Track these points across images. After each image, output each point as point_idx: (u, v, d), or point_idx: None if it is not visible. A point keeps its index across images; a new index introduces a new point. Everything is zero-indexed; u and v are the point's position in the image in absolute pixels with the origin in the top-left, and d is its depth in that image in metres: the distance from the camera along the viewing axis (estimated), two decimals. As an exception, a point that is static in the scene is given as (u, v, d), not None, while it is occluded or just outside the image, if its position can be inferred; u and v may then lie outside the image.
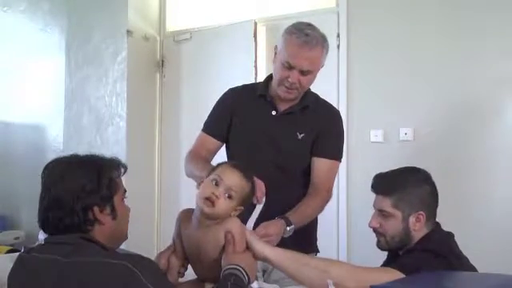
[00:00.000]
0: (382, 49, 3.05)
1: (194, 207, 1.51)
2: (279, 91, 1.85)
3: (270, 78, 1.96)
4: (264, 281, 1.83)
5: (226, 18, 3.63)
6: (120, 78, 3.70)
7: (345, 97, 3.11)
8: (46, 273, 1.22)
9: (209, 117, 2.03)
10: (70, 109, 3.95)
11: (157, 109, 3.90)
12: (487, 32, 2.76)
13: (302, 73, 1.80)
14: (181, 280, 1.58)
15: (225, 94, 2.04)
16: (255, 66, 3.36)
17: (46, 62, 4.16)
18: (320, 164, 1.92)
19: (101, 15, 3.81)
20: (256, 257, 1.49)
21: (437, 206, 1.70)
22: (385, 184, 1.70)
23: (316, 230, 2.03)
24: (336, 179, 3.06)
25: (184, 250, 1.54)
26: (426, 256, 1.55)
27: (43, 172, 1.33)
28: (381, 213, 1.68)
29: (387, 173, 1.74)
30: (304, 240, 1.86)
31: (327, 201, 1.94)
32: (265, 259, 1.51)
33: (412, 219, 1.64)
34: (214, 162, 1.95)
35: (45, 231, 1.31)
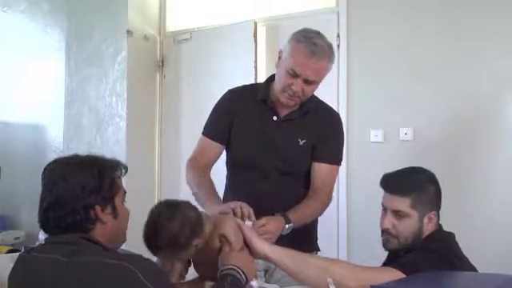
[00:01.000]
0: (382, 49, 3.05)
1: None
2: (281, 97, 1.83)
3: (270, 79, 1.95)
4: (266, 281, 1.82)
5: (226, 18, 3.63)
6: (120, 77, 3.70)
7: (345, 97, 3.11)
8: (46, 273, 1.22)
9: (209, 120, 2.00)
10: (70, 109, 3.95)
11: (157, 109, 3.90)
12: (487, 32, 2.76)
13: (307, 82, 1.79)
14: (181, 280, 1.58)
15: (224, 95, 2.02)
16: (255, 66, 3.36)
17: (46, 62, 4.17)
18: (320, 169, 1.92)
19: (101, 15, 3.81)
20: (256, 255, 1.50)
21: (440, 207, 1.70)
22: (402, 184, 1.66)
23: (316, 230, 2.03)
24: (336, 179, 3.10)
25: None
26: (427, 256, 1.54)
27: (43, 173, 1.33)
28: (396, 213, 1.63)
29: (400, 172, 1.71)
30: (304, 239, 1.86)
31: (327, 205, 1.94)
32: (265, 257, 1.51)
33: (426, 220, 1.63)
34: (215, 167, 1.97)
35: (45, 231, 1.31)
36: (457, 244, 1.65)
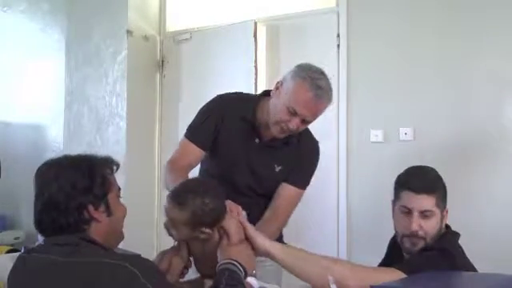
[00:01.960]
0: (382, 49, 3.05)
1: None
2: (273, 129, 1.82)
3: (260, 97, 1.93)
4: None
5: (226, 18, 3.63)
6: (120, 77, 3.69)
7: (345, 97, 3.11)
8: (46, 273, 1.22)
9: (194, 123, 1.96)
10: (70, 109, 3.95)
11: (157, 109, 3.90)
12: (487, 32, 2.76)
13: (304, 121, 1.79)
14: (181, 279, 1.57)
15: (213, 101, 1.98)
16: (255, 66, 3.35)
17: (46, 62, 4.16)
18: (286, 190, 1.92)
19: (101, 15, 3.81)
20: (257, 251, 1.49)
21: None
22: (426, 182, 1.63)
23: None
24: (336, 179, 3.12)
25: (189, 251, 1.53)
26: (431, 255, 1.54)
27: (35, 176, 1.32)
28: (422, 214, 1.60)
29: (417, 171, 1.70)
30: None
31: (282, 229, 1.95)
32: (266, 254, 1.51)
33: (443, 216, 1.64)
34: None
35: (41, 233, 1.31)
36: (459, 244, 1.65)
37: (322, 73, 1.80)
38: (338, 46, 3.15)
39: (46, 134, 4.14)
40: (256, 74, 3.35)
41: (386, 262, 1.75)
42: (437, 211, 1.61)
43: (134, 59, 3.72)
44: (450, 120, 2.83)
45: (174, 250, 1.56)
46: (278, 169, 1.90)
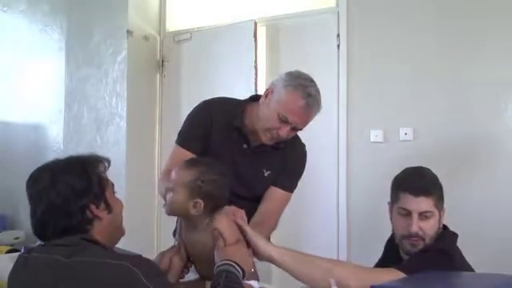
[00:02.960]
0: (382, 48, 3.05)
1: None
2: (262, 136, 1.82)
3: (247, 103, 1.92)
4: None
5: (226, 18, 3.63)
6: (120, 77, 3.69)
7: (345, 97, 3.11)
8: (47, 273, 1.22)
9: (184, 129, 1.97)
10: (70, 109, 3.95)
11: (157, 109, 3.90)
12: (487, 32, 2.76)
13: (294, 129, 1.80)
14: (181, 280, 1.58)
15: (200, 107, 1.98)
16: (255, 66, 3.35)
17: (46, 62, 4.16)
18: (275, 194, 1.92)
19: (101, 15, 3.81)
20: (258, 255, 1.49)
21: None
22: (424, 184, 1.65)
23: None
24: (336, 179, 3.12)
25: (187, 250, 1.54)
26: (430, 255, 1.54)
27: (28, 185, 1.32)
28: (421, 215, 1.61)
29: (415, 173, 1.70)
30: None
31: (271, 232, 1.94)
32: (268, 258, 1.50)
33: (441, 216, 1.65)
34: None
35: (42, 239, 1.31)
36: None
37: (311, 80, 1.81)
38: (338, 46, 3.15)
39: (46, 134, 4.14)
40: (256, 74, 3.35)
41: (383, 263, 1.76)
42: (435, 212, 1.62)
43: (134, 59, 3.72)
44: (450, 120, 2.83)
45: (174, 249, 1.56)
46: (266, 173, 1.91)
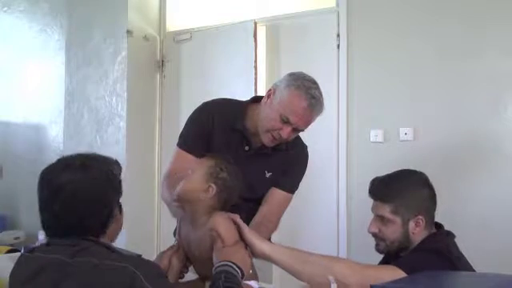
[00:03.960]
0: (381, 49, 3.05)
1: None
2: (264, 137, 1.82)
3: (248, 105, 1.92)
4: None
5: (226, 18, 3.63)
6: (120, 77, 3.69)
7: (345, 97, 3.11)
8: (48, 273, 1.22)
9: (186, 132, 1.96)
10: (70, 109, 3.94)
11: (157, 109, 3.90)
12: (487, 31, 2.76)
13: (295, 130, 1.80)
14: (181, 280, 1.58)
15: (201, 109, 1.97)
16: (255, 66, 3.35)
17: (46, 62, 4.16)
18: (276, 195, 1.92)
19: (101, 15, 3.81)
20: (255, 254, 1.49)
21: (435, 208, 1.70)
22: (383, 190, 1.69)
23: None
24: (336, 179, 3.12)
25: (185, 250, 1.54)
26: (427, 255, 1.55)
27: (44, 179, 1.31)
28: (380, 218, 1.67)
29: (384, 177, 1.73)
30: None
31: (272, 233, 1.94)
32: (265, 256, 1.50)
33: (412, 224, 1.64)
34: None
35: (56, 236, 1.30)
36: (455, 243, 1.65)
37: (314, 82, 1.81)
38: (338, 46, 3.15)
39: (46, 134, 4.14)
40: (256, 74, 3.35)
41: (385, 262, 1.76)
42: (395, 219, 1.64)
43: (134, 59, 3.72)
44: (450, 120, 2.83)
45: (173, 248, 1.56)
46: (268, 175, 1.91)
